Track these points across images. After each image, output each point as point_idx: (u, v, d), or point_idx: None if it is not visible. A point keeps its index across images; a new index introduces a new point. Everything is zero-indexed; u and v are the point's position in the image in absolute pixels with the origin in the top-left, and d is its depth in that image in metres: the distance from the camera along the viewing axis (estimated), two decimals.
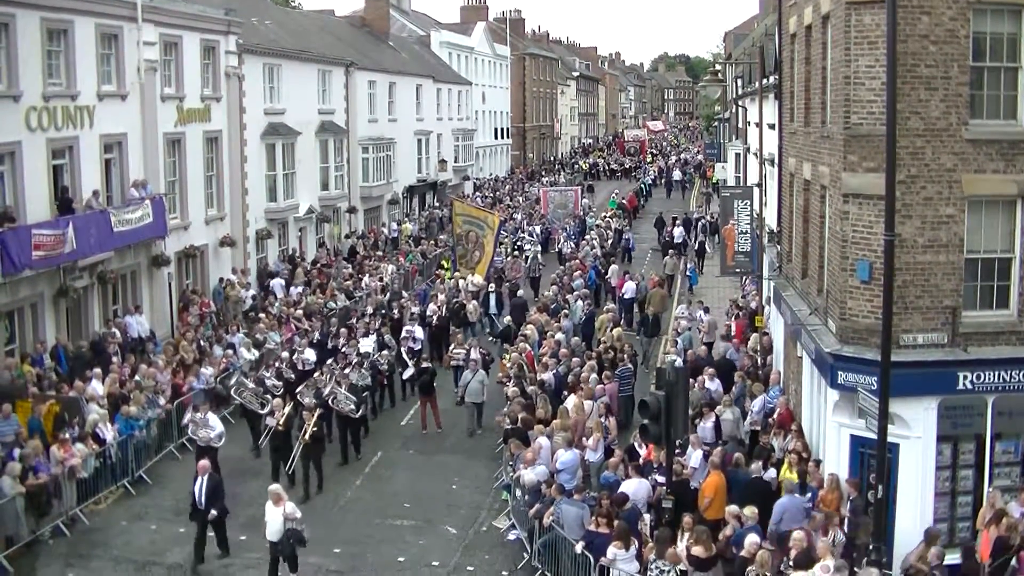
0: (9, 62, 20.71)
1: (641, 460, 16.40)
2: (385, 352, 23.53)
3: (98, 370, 20.12)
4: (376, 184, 43.13)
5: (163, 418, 20.18)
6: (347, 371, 21.34)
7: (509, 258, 36.33)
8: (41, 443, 16.98)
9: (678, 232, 40.07)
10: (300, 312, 27.63)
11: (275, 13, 42.60)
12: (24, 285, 21.09)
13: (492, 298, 29.83)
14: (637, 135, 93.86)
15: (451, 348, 24.07)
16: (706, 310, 26.80)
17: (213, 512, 15.22)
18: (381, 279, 32.40)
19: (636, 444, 17.18)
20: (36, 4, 21.33)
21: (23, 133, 21.17)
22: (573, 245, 39.62)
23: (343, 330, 24.91)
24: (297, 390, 20.30)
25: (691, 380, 18.26)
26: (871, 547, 12.99)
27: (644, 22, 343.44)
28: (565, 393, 20.09)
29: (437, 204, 51.45)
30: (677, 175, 68.42)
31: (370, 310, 27.59)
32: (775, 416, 17.68)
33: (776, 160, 21.66)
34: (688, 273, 34.58)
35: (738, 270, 24.87)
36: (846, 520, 14.00)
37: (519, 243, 39.77)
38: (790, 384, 18.92)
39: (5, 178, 21.02)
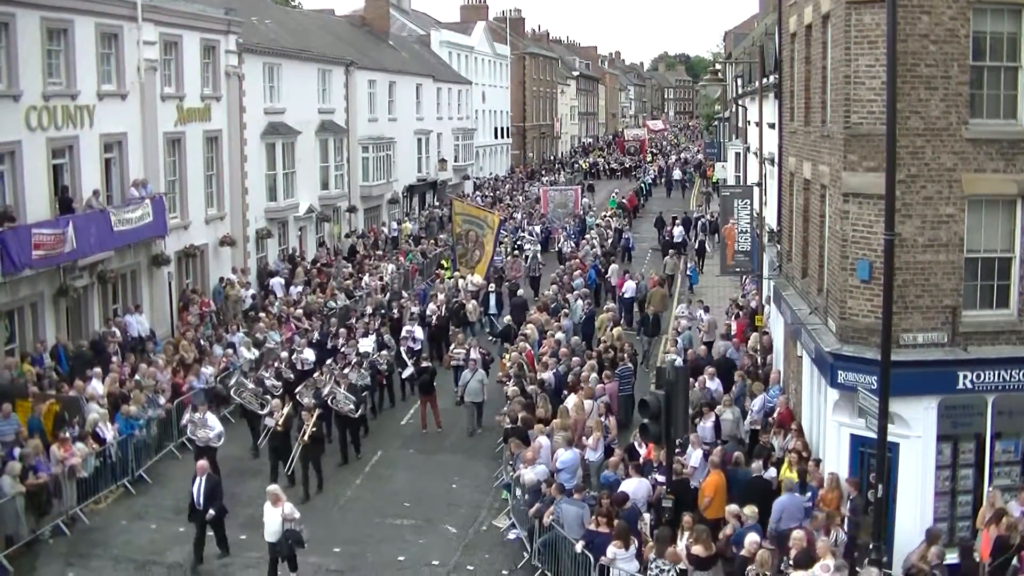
0: (9, 61, 20.71)
1: (641, 459, 16.40)
2: (384, 352, 23.53)
3: (98, 369, 20.12)
4: (376, 183, 43.13)
5: (163, 417, 20.17)
6: (346, 371, 21.34)
7: (509, 258, 36.33)
8: (41, 442, 16.99)
9: (678, 231, 40.06)
10: (300, 312, 27.63)
11: (275, 12, 42.60)
12: (24, 284, 21.09)
13: (492, 298, 29.83)
14: (637, 134, 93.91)
15: (451, 348, 24.08)
16: (706, 309, 26.80)
17: (211, 512, 15.21)
18: (381, 278, 32.41)
19: (636, 443, 17.18)
20: (36, 3, 21.32)
21: (23, 132, 21.16)
22: (573, 244, 39.62)
23: (342, 330, 24.92)
24: (296, 390, 20.31)
25: (691, 379, 18.27)
26: (871, 546, 12.99)
27: (644, 21, 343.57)
28: (565, 392, 20.09)
29: (437, 203, 51.45)
30: (677, 174, 68.44)
31: (369, 310, 27.58)
32: (775, 415, 17.69)
33: (776, 159, 21.66)
34: (688, 272, 34.58)
35: (738, 269, 24.87)
36: (846, 519, 14.02)
37: (519, 242, 39.77)
38: (790, 383, 18.92)
39: (5, 177, 21.02)
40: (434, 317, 27.06)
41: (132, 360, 22.13)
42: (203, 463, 15.81)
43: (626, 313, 29.64)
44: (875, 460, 13.31)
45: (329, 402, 19.63)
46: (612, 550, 13.31)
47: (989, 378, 13.75)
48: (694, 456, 16.35)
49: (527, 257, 36.16)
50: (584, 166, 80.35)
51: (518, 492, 16.48)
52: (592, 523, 14.18)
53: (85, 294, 23.50)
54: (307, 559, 15.32)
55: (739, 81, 39.49)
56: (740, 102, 38.43)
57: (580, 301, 27.40)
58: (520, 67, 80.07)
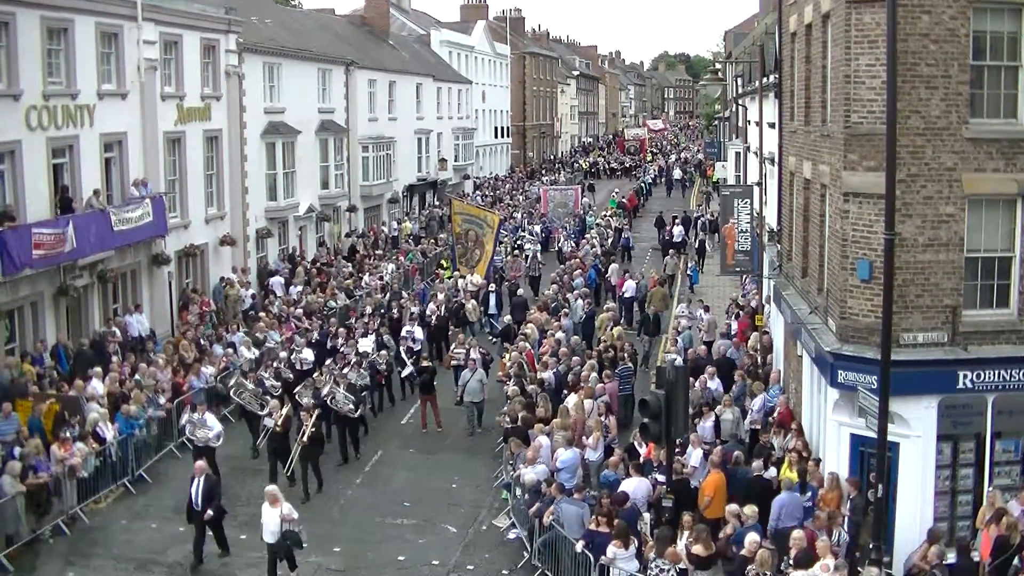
0: (9, 61, 20.71)
1: (641, 459, 16.40)
2: (384, 352, 23.52)
3: (98, 369, 20.12)
4: (376, 183, 43.14)
5: (163, 417, 20.17)
6: (346, 371, 21.33)
7: (509, 257, 36.32)
8: (41, 442, 16.99)
9: (677, 231, 40.05)
10: (300, 311, 27.63)
11: (275, 12, 42.60)
12: (24, 284, 21.09)
13: (492, 298, 29.83)
14: (637, 134, 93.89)
15: (452, 348, 24.07)
16: (706, 309, 26.80)
17: (210, 512, 15.20)
18: (381, 278, 32.41)
19: (636, 443, 17.18)
20: (36, 3, 21.32)
21: (23, 132, 21.16)
22: (573, 244, 39.62)
23: (341, 330, 24.92)
24: (295, 390, 20.29)
25: (691, 379, 18.27)
26: (871, 546, 12.99)
27: (644, 21, 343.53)
28: (565, 392, 20.09)
29: (437, 203, 51.45)
30: (677, 174, 68.43)
31: (369, 310, 27.59)
32: (775, 415, 17.68)
33: (776, 159, 21.66)
34: (689, 272, 34.57)
35: (738, 269, 24.85)
36: (845, 519, 14.02)
37: (519, 242, 39.77)
38: (790, 383, 18.92)
39: (5, 177, 21.02)
40: (434, 317, 27.05)
41: (132, 360, 22.12)
42: (201, 464, 15.80)
43: (626, 313, 29.64)
44: (875, 460, 13.31)
45: (328, 402, 19.62)
46: (612, 550, 13.32)
47: (989, 378, 13.75)
48: (694, 456, 16.35)
49: (527, 257, 36.16)
50: (584, 166, 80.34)
51: (518, 492, 16.48)
52: (592, 523, 14.18)
53: (85, 294, 23.50)
54: (307, 558, 15.33)
55: (739, 81, 39.49)
56: (740, 102, 38.43)
57: (580, 301, 27.40)
58: (520, 67, 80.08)
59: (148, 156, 26.05)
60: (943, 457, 14.00)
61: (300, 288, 30.58)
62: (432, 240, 41.42)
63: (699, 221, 41.75)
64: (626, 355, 21.94)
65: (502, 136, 74.49)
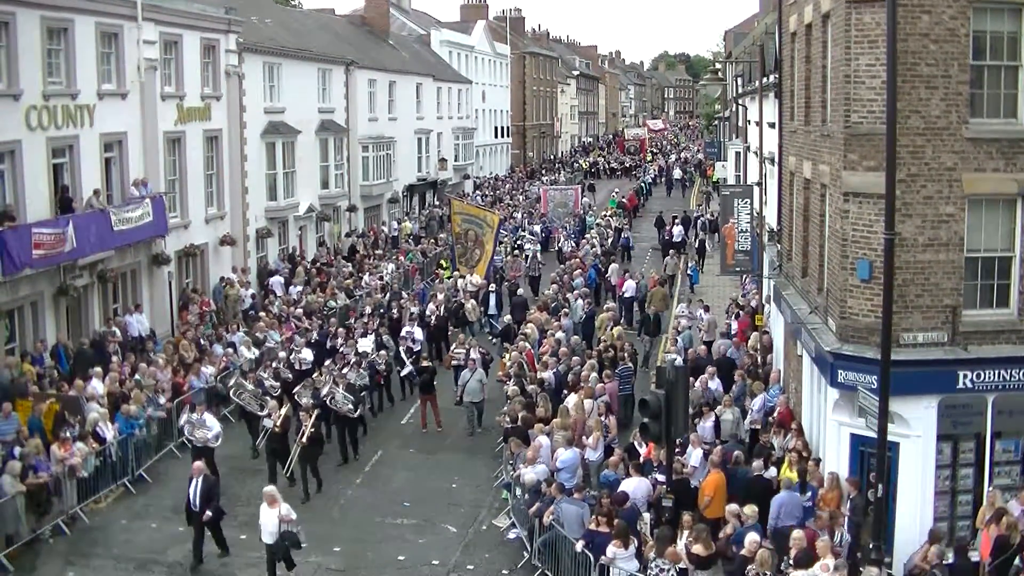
0: (9, 61, 20.70)
1: (641, 459, 16.40)
2: (383, 352, 23.51)
3: (98, 369, 20.12)
4: (376, 183, 43.14)
5: (163, 417, 20.16)
6: (345, 371, 21.31)
7: (509, 257, 36.32)
8: (41, 442, 17.00)
9: (677, 231, 40.05)
10: (300, 311, 27.63)
11: (275, 12, 42.60)
12: (24, 284, 21.09)
13: (492, 298, 29.82)
14: (637, 134, 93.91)
15: (452, 348, 24.06)
16: (706, 309, 26.80)
17: (208, 513, 15.19)
18: (381, 278, 32.41)
19: (636, 443, 17.18)
20: (36, 3, 21.32)
21: (23, 132, 21.16)
22: (573, 244, 39.62)
23: (341, 330, 24.91)
24: (295, 390, 20.26)
25: (692, 379, 18.26)
26: (871, 546, 12.99)
27: (644, 21, 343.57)
28: (565, 392, 20.09)
29: (437, 203, 51.46)
30: (677, 174, 68.44)
31: (368, 310, 27.59)
32: (775, 415, 17.68)
33: (776, 159, 21.66)
34: (689, 272, 34.56)
35: (738, 269, 24.85)
36: (845, 519, 14.02)
37: (519, 242, 39.78)
38: (790, 383, 18.92)
39: (5, 177, 21.02)
40: (433, 317, 27.04)
41: (132, 360, 22.12)
42: (199, 464, 15.78)
43: (626, 312, 29.64)
44: (875, 459, 13.31)
45: (328, 402, 19.61)
46: (612, 550, 13.32)
47: (989, 377, 13.75)
48: (694, 455, 16.35)
49: (527, 257, 36.16)
50: (584, 166, 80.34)
51: (518, 492, 16.48)
52: (592, 523, 14.18)
53: (85, 293, 23.51)
54: (307, 558, 15.34)
55: (739, 80, 39.49)
56: (740, 101, 38.43)
57: (580, 300, 27.40)
58: (520, 66, 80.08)
59: (148, 156, 26.05)
60: (943, 457, 14.00)
61: (300, 288, 30.58)
62: (432, 240, 41.43)
63: (699, 221, 41.75)
64: (626, 355, 21.93)
65: (502, 136, 74.49)
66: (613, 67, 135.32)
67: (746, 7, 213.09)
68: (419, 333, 25.51)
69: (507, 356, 22.23)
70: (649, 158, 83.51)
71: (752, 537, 12.90)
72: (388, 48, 51.45)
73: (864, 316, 13.99)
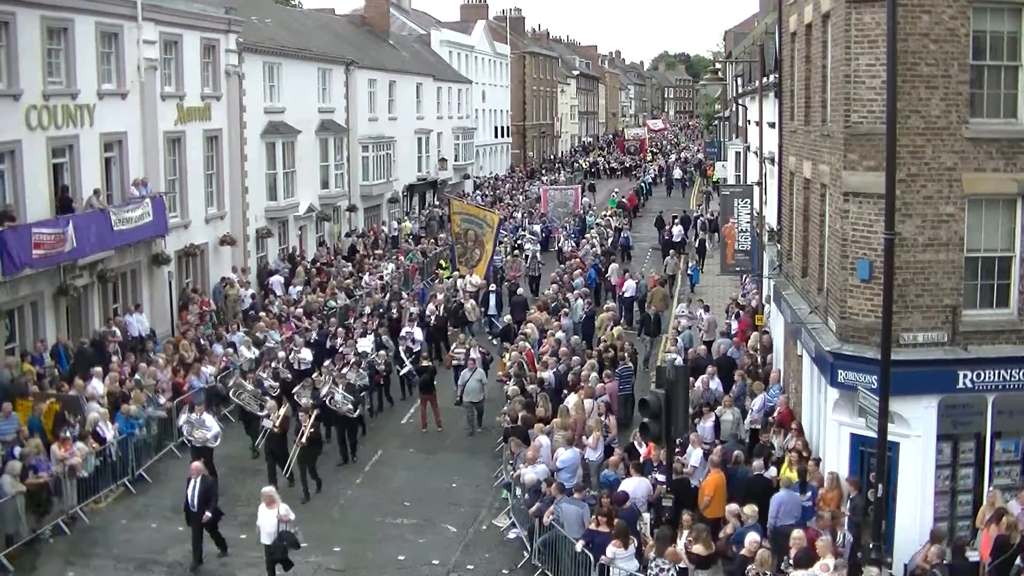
0: (9, 61, 20.70)
1: (641, 458, 16.40)
2: (382, 352, 23.50)
3: (98, 369, 20.12)
4: (376, 183, 43.14)
5: (163, 417, 20.16)
6: (344, 371, 21.30)
7: (508, 257, 36.31)
8: (41, 442, 16.99)
9: (677, 231, 40.05)
10: (300, 311, 27.63)
11: (275, 11, 42.60)
12: (24, 284, 21.09)
13: (492, 298, 29.81)
14: (637, 134, 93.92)
15: (452, 348, 24.07)
16: (706, 308, 26.80)
17: (207, 515, 15.18)
18: (381, 278, 32.41)
19: (636, 443, 17.18)
20: (36, 3, 21.32)
21: (23, 132, 21.16)
22: (573, 244, 39.62)
23: (340, 329, 24.90)
24: (294, 390, 20.24)
25: (692, 379, 18.25)
26: (871, 546, 12.99)
27: (644, 21, 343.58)
28: (565, 392, 20.08)
29: (437, 203, 51.47)
30: (677, 174, 68.44)
31: (368, 310, 27.58)
32: (775, 415, 17.68)
33: (776, 159, 21.66)
34: (690, 272, 34.55)
35: (738, 269, 24.86)
36: (845, 519, 14.01)
37: (519, 241, 39.78)
38: (790, 383, 18.92)
39: (5, 177, 21.02)
40: (432, 317, 27.03)
41: (132, 359, 22.12)
42: (197, 465, 15.77)
43: (626, 312, 29.64)
44: (875, 459, 13.31)
45: (327, 403, 19.60)
46: (612, 549, 13.31)
47: (989, 377, 13.75)
48: (694, 455, 16.35)
49: (527, 257, 36.14)
50: (584, 165, 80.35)
51: (518, 491, 16.48)
52: (592, 522, 14.18)
53: (85, 293, 23.50)
54: (307, 558, 15.34)
55: (739, 80, 39.48)
56: (740, 101, 38.42)
57: (580, 300, 27.40)
58: (520, 66, 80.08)
59: (148, 156, 26.05)
60: (943, 457, 14.00)
61: (300, 288, 30.58)
62: (432, 240, 41.43)
63: (699, 221, 41.74)
64: (626, 355, 21.93)
65: (502, 136, 74.49)
66: (613, 67, 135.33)
67: (746, 7, 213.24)
68: (419, 333, 25.50)
69: (507, 356, 22.23)
70: (649, 158, 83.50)
71: (752, 537, 12.90)
72: (388, 48, 51.45)
73: (864, 316, 13.99)
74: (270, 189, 33.95)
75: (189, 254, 28.28)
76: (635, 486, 15.14)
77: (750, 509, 13.79)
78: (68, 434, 17.25)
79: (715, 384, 19.72)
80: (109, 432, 18.18)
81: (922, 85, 13.43)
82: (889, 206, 12.78)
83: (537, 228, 43.05)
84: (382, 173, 43.91)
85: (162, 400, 20.31)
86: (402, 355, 24.13)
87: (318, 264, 34.51)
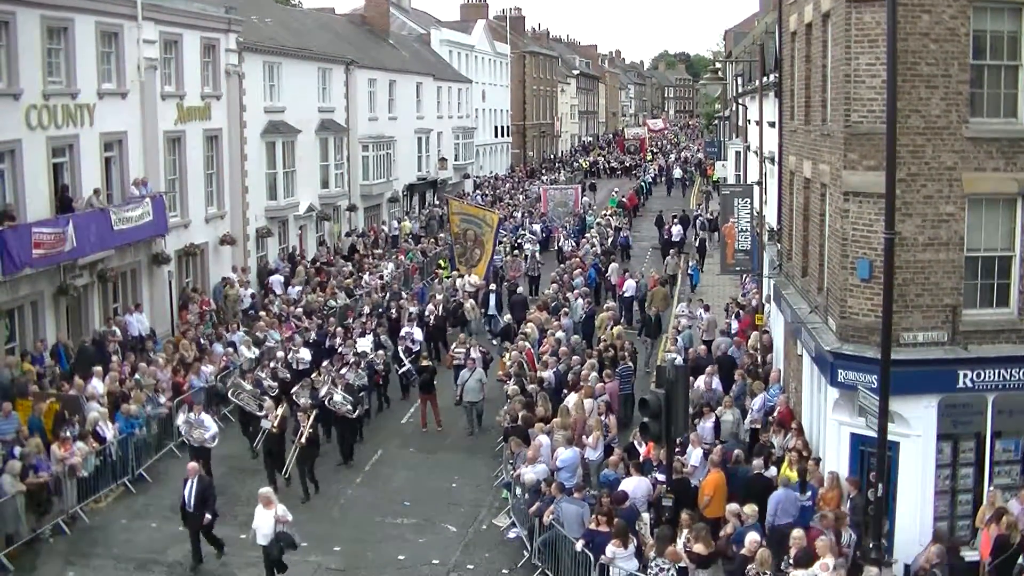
0: (9, 60, 20.70)
1: (641, 458, 16.40)
2: (381, 352, 23.48)
3: (98, 368, 20.11)
4: (376, 182, 43.14)
5: (163, 416, 20.16)
6: (344, 371, 21.27)
7: (508, 257, 36.30)
8: (41, 441, 16.99)
9: (676, 230, 40.05)
10: (300, 311, 27.62)
11: (275, 11, 42.61)
12: (24, 283, 21.09)
13: (492, 298, 29.81)
14: (637, 133, 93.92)
15: (453, 347, 24.07)
16: (706, 308, 26.79)
17: (208, 517, 15.15)
18: (381, 277, 32.41)
19: (636, 442, 17.18)
20: (36, 2, 21.32)
21: (23, 131, 21.16)
22: (573, 243, 39.62)
23: (339, 329, 24.88)
24: (292, 391, 20.21)
25: (692, 378, 18.24)
26: (871, 545, 12.99)
27: (644, 20, 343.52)
28: (565, 391, 20.08)
29: (437, 202, 51.48)
30: (677, 173, 68.45)
31: (367, 310, 27.56)
32: (775, 414, 17.68)
33: (776, 158, 21.65)
34: (690, 272, 34.52)
35: (738, 268, 24.86)
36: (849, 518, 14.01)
37: (519, 240, 39.78)
38: (790, 382, 18.92)
39: (5, 176, 21.02)
40: (432, 317, 27.02)
41: (132, 359, 22.12)
42: (194, 465, 15.74)
43: (626, 312, 29.64)
44: (875, 459, 13.31)
45: (326, 403, 19.57)
46: (611, 549, 13.31)
47: (989, 377, 13.75)
48: (694, 455, 16.35)
49: (526, 256, 36.14)
50: (584, 165, 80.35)
51: (518, 491, 16.48)
52: (592, 522, 14.18)
53: (85, 293, 23.50)
54: (307, 558, 15.34)
55: (739, 80, 39.47)
56: (740, 101, 38.41)
57: (580, 300, 27.39)
58: (520, 66, 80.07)
59: (148, 155, 26.05)
60: (943, 456, 13.99)
61: (300, 288, 30.58)
62: (432, 239, 41.43)
63: (698, 220, 41.73)
64: (626, 354, 21.93)
65: (502, 135, 74.49)
66: (613, 66, 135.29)
67: (746, 6, 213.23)
68: (418, 333, 25.49)
69: (507, 355, 22.23)
70: (649, 157, 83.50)
71: (752, 536, 12.90)
72: (388, 47, 51.45)
73: (864, 315, 13.99)
74: (270, 189, 33.95)
75: (189, 254, 28.29)
76: (635, 486, 15.13)
77: (750, 509, 13.79)
78: (68, 434, 17.25)
79: (715, 384, 19.71)
80: (109, 432, 18.17)
81: (922, 85, 13.43)
82: (889, 205, 12.78)
83: (537, 228, 43.03)
84: (382, 173, 43.92)
85: (162, 400, 20.31)
86: (401, 355, 24.11)
87: (318, 264, 34.51)
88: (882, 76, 13.24)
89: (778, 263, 20.96)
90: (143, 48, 25.32)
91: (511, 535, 16.54)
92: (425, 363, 22.45)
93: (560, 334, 23.60)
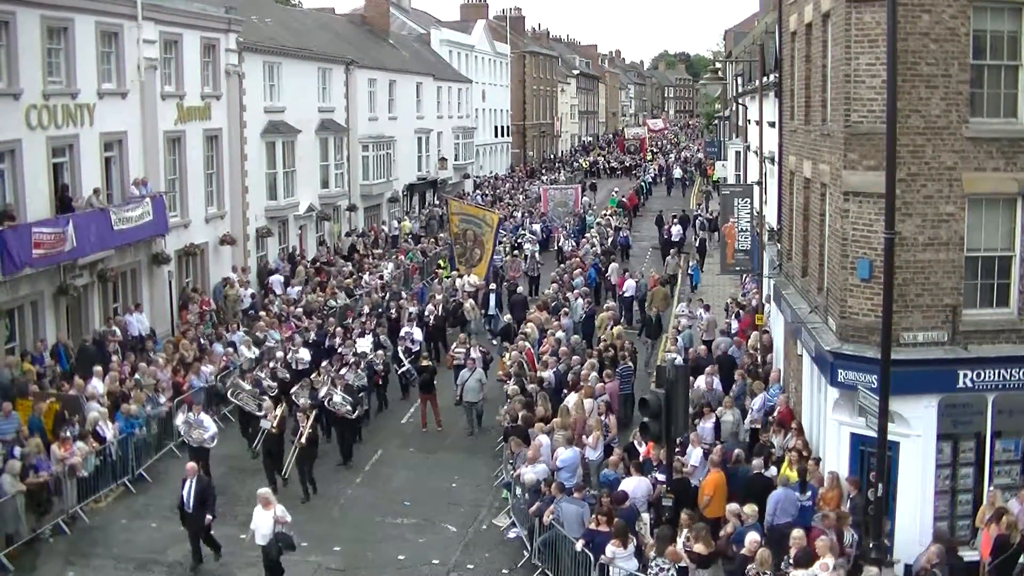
0: (9, 60, 20.70)
1: (641, 458, 16.39)
2: (380, 352, 23.47)
3: (99, 368, 20.12)
4: (376, 182, 43.15)
5: (163, 416, 20.16)
6: (343, 372, 21.26)
7: (508, 257, 36.30)
8: (41, 441, 16.99)
9: (676, 230, 40.05)
10: (299, 311, 27.62)
11: (275, 11, 42.62)
12: (24, 283, 21.09)
13: (492, 298, 29.80)
14: (637, 133, 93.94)
15: (453, 347, 24.06)
16: (706, 308, 26.79)
17: (209, 518, 15.13)
18: (381, 277, 32.41)
19: (636, 442, 17.18)
20: (36, 2, 21.32)
21: (23, 131, 21.16)
22: (573, 243, 39.62)
23: (339, 330, 24.88)
24: (292, 391, 20.20)
25: (692, 378, 18.24)
26: (871, 545, 13.00)
27: (644, 20, 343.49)
28: (565, 391, 20.08)
29: (437, 202, 51.48)
30: (677, 173, 68.47)
31: (367, 310, 27.56)
32: (775, 414, 17.68)
33: (776, 158, 21.65)
34: (690, 272, 34.52)
35: (738, 268, 24.85)
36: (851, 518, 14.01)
37: (519, 240, 39.78)
38: (790, 382, 18.92)
39: (5, 176, 21.02)
40: (431, 317, 27.01)
41: (132, 359, 22.12)
42: (192, 465, 15.71)
43: (626, 312, 29.64)
44: (875, 459, 13.31)
45: (326, 404, 19.56)
46: (611, 549, 13.31)
47: (989, 377, 13.75)
48: (694, 455, 16.35)
49: (526, 257, 36.14)
50: (584, 165, 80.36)
51: (518, 491, 16.48)
52: (592, 522, 14.18)
53: (85, 293, 23.50)
54: (307, 558, 15.35)
55: (739, 80, 39.48)
56: (740, 101, 38.42)
57: (580, 300, 27.39)
58: (520, 66, 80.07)
59: (148, 155, 26.05)
60: (943, 456, 13.99)
61: (300, 287, 30.58)
62: (432, 239, 41.42)
63: (698, 220, 41.74)
64: (626, 354, 21.92)
65: (502, 135, 74.49)
66: (613, 66, 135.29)
67: (746, 6, 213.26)
68: (418, 333, 25.48)
69: (507, 355, 22.23)
70: (649, 157, 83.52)
71: (752, 536, 12.90)
72: (388, 47, 51.45)
73: (864, 315, 13.99)
74: (270, 189, 33.95)
75: (189, 253, 28.29)
76: (635, 486, 15.13)
77: (750, 508, 13.79)
78: (68, 434, 17.25)
79: (716, 384, 19.70)
80: (109, 432, 18.17)
81: (922, 84, 13.43)
82: (889, 205, 12.78)
83: (537, 228, 43.03)
84: (382, 172, 43.92)
85: (162, 400, 20.31)
86: (401, 355, 24.10)
87: (318, 264, 34.51)
88: (882, 76, 13.24)
89: (778, 263, 20.96)
90: (143, 48, 25.32)
91: (511, 535, 16.54)
92: (425, 363, 22.45)
93: (560, 334, 23.60)
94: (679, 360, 20.49)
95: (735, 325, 24.46)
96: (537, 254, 37.13)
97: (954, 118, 13.54)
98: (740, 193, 24.67)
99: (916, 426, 13.80)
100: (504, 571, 15.51)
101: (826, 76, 15.59)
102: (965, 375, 13.72)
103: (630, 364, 21.72)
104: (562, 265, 34.70)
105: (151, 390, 20.25)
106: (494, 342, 26.87)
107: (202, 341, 24.06)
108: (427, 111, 52.11)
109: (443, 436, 21.67)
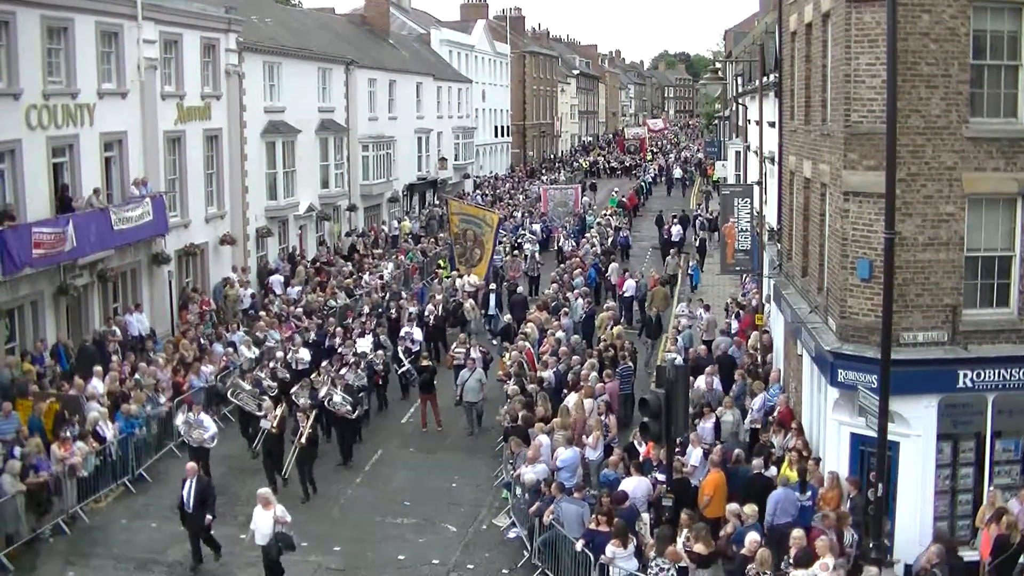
0: (9, 60, 20.70)
1: (641, 458, 16.39)
2: (380, 352, 23.47)
3: (99, 368, 20.12)
4: (376, 182, 43.15)
5: (163, 416, 20.15)
6: (343, 372, 21.26)
7: (508, 257, 36.30)
8: (41, 441, 16.99)
9: (675, 230, 40.04)
10: (299, 311, 27.62)
11: (275, 11, 42.62)
12: (24, 283, 21.09)
13: (492, 298, 29.80)
14: (637, 133, 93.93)
15: (453, 347, 24.06)
16: (706, 308, 26.79)
17: (210, 518, 15.12)
18: (381, 277, 32.41)
19: (636, 442, 17.18)
20: (36, 2, 21.32)
21: (23, 131, 21.16)
22: (573, 243, 39.62)
23: (339, 330, 24.87)
24: (292, 391, 20.20)
25: (692, 378, 18.24)
26: (871, 545, 12.99)
27: (644, 20, 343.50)
28: (565, 391, 20.08)
29: (437, 202, 51.48)
30: (677, 173, 68.49)
31: (367, 310, 27.55)
32: (775, 414, 17.68)
33: (776, 158, 21.65)
34: (690, 271, 34.51)
35: (738, 268, 24.85)
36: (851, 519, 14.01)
37: (519, 240, 39.78)
38: (790, 382, 18.92)
39: (5, 176, 21.02)
40: (431, 317, 27.01)
41: (132, 359, 22.12)
42: (192, 465, 15.71)
43: (626, 312, 29.64)
44: (875, 459, 13.31)
45: (326, 404, 19.55)
46: (611, 549, 13.31)
47: (989, 377, 13.75)
48: (694, 455, 16.35)
49: (526, 257, 36.14)
50: (584, 165, 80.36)
51: (518, 491, 16.48)
52: (592, 522, 14.18)
53: (85, 293, 23.51)
54: (307, 558, 15.35)
55: (739, 80, 39.48)
56: (740, 101, 38.41)
57: (580, 300, 27.39)
58: (520, 66, 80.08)
59: (148, 155, 26.05)
60: (943, 456, 14.00)
61: (300, 287, 30.58)
62: (432, 239, 41.42)
63: (697, 220, 41.74)
64: (626, 354, 21.92)
65: (502, 135, 74.49)
66: (613, 66, 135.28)
67: (746, 6, 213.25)
68: (418, 333, 25.47)
69: (507, 355, 22.23)
70: (649, 157, 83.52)
71: (752, 536, 12.91)
72: (388, 47, 51.45)
73: (864, 315, 13.99)
74: (270, 188, 33.95)
75: (189, 253, 28.29)
76: (635, 486, 15.13)
77: (750, 508, 13.79)
78: (68, 433, 17.25)
79: (716, 384, 19.70)
80: (109, 431, 18.17)
81: (922, 84, 13.43)
82: (889, 205, 12.78)
83: (537, 228, 43.03)
84: (382, 172, 43.92)
85: (162, 400, 20.30)
86: (401, 355, 24.09)
87: (318, 264, 34.51)
88: (882, 76, 13.24)
89: (778, 263, 20.96)
90: (143, 48, 25.32)
91: (511, 535, 16.54)
92: (425, 363, 22.44)
93: (560, 334, 23.59)
94: (679, 360, 20.49)
95: (735, 325, 24.46)
96: (537, 254, 37.13)
97: (954, 118, 13.54)
98: (740, 193, 24.67)
99: (916, 426, 13.80)
100: (504, 571, 15.51)
101: (826, 76, 15.59)
102: (965, 375, 13.72)
103: (630, 364, 21.72)
104: (562, 265, 34.70)
105: (151, 390, 20.25)
106: (494, 342, 26.87)
107: (202, 341, 24.06)
108: (427, 111, 52.12)
109: (443, 436, 21.67)
